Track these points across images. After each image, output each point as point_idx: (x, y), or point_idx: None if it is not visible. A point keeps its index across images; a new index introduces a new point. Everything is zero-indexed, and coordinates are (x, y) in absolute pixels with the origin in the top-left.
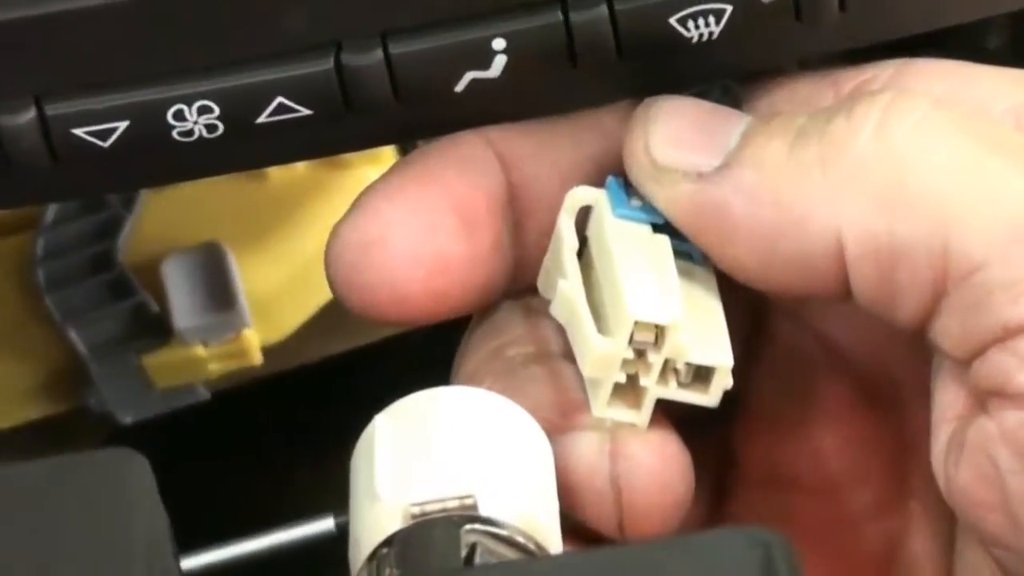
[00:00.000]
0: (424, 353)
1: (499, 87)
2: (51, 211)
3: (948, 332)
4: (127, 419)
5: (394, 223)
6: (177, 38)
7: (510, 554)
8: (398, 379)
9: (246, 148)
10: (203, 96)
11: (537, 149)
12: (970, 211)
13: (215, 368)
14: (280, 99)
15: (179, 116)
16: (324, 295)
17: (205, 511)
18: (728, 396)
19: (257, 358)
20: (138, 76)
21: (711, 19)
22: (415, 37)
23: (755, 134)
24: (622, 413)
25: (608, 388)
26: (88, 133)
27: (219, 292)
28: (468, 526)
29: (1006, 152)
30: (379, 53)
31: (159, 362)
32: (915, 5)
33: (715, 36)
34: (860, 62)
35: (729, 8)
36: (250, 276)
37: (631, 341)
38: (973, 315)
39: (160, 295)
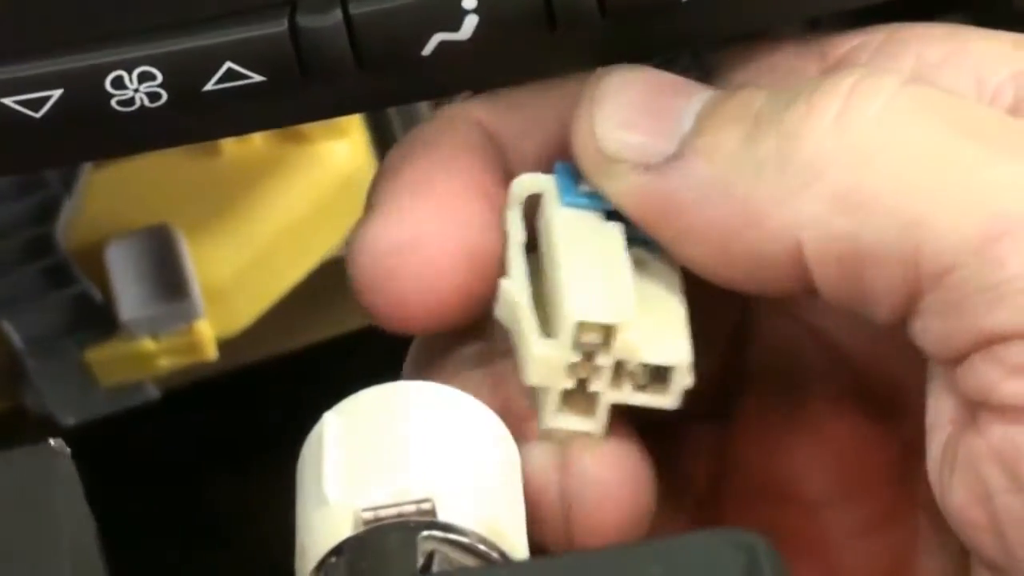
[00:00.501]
0: (393, 348)
1: (470, 50)
2: None
3: (928, 335)
4: (68, 420)
5: (427, 221)
6: None
7: (471, 563)
8: (364, 375)
9: (193, 119)
10: (144, 61)
11: (526, 126)
12: (940, 207)
13: (165, 363)
14: (229, 64)
15: (118, 83)
16: (285, 282)
17: (151, 516)
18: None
19: (211, 352)
20: (72, 40)
21: None
22: None
23: (710, 118)
24: (574, 422)
25: (556, 396)
26: (18, 103)
27: (169, 280)
28: (425, 532)
29: (980, 137)
30: (338, 13)
31: (103, 357)
32: None
33: None
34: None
35: None
36: (203, 262)
37: (576, 344)
38: (951, 320)
39: (104, 283)
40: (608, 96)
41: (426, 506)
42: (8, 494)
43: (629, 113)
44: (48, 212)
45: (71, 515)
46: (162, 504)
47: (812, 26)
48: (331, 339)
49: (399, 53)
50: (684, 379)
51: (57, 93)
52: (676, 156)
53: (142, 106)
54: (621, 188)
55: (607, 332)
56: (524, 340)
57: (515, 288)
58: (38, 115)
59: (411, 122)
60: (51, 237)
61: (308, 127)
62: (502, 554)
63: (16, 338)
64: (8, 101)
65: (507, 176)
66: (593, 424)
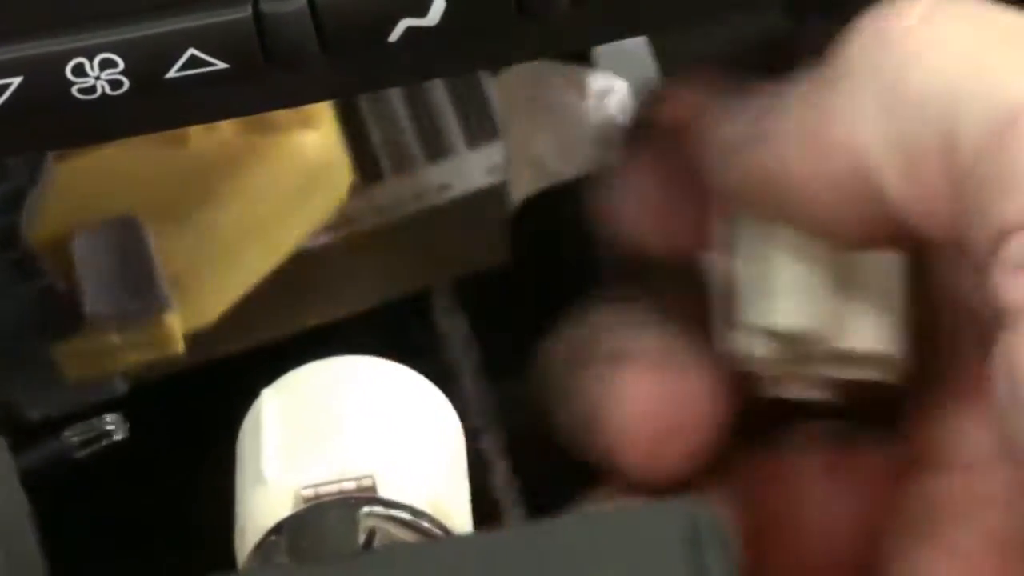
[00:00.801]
0: (359, 340)
1: (438, 36)
2: None
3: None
4: (35, 415)
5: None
6: None
7: (413, 539)
8: None
9: (156, 106)
10: (106, 48)
11: None
12: (971, 97)
13: (133, 357)
14: (192, 51)
15: (79, 71)
16: (254, 275)
17: (120, 513)
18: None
19: (179, 346)
20: (32, 26)
21: None
22: None
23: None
24: (795, 390)
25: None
26: None
27: (136, 272)
28: (366, 509)
29: (1007, 41)
30: None
31: (69, 351)
32: None
33: None
34: None
35: None
36: (171, 254)
37: (787, 347)
38: (976, 214)
39: (70, 276)
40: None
41: (367, 483)
42: None
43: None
44: (12, 204)
45: (3, 497)
46: (128, 500)
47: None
48: (298, 333)
49: (365, 39)
50: (897, 363)
51: (16, 81)
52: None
53: (104, 94)
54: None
55: (811, 335)
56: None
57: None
58: None
59: (383, 110)
60: (15, 229)
61: (277, 117)
62: (444, 530)
63: None
64: None
65: None
66: (818, 392)
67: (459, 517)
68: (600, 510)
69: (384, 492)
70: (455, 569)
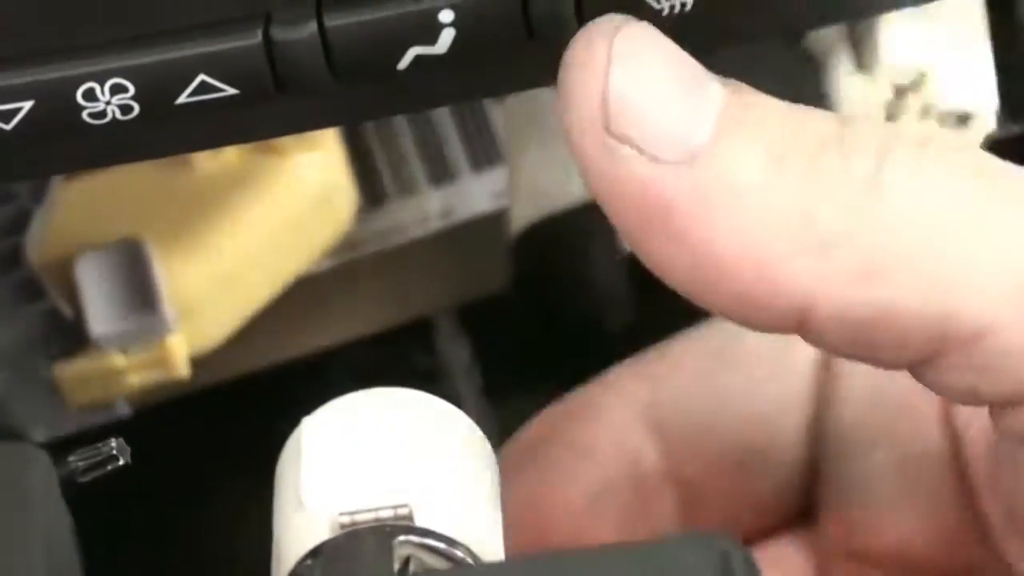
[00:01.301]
0: (362, 364)
1: (447, 64)
2: None
3: (951, 387)
4: (38, 437)
5: None
6: (87, 8)
7: (447, 568)
8: (335, 392)
9: (165, 132)
10: (117, 73)
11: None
12: (973, 270)
13: (136, 380)
14: (203, 77)
15: (90, 96)
16: (259, 298)
17: (125, 535)
18: None
19: (184, 369)
20: (43, 51)
21: None
22: (352, 8)
23: (732, 127)
24: None
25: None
26: None
27: (140, 294)
28: (402, 537)
29: (1008, 199)
30: (313, 26)
31: (73, 373)
32: None
33: (688, 8)
34: None
35: None
36: (175, 276)
37: (891, 83)
38: (987, 378)
39: (74, 298)
40: (631, 59)
41: (403, 511)
42: None
43: (650, 89)
44: (17, 225)
45: (46, 513)
46: (129, 522)
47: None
48: (302, 356)
49: (375, 67)
50: (985, 124)
51: (27, 105)
52: (689, 164)
53: (114, 119)
54: (617, 173)
55: (919, 76)
56: (840, 76)
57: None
58: (8, 127)
59: (387, 135)
60: (19, 251)
61: (282, 140)
62: (478, 560)
63: None
64: None
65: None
66: None
67: (492, 547)
68: (631, 541)
69: (420, 521)
70: None
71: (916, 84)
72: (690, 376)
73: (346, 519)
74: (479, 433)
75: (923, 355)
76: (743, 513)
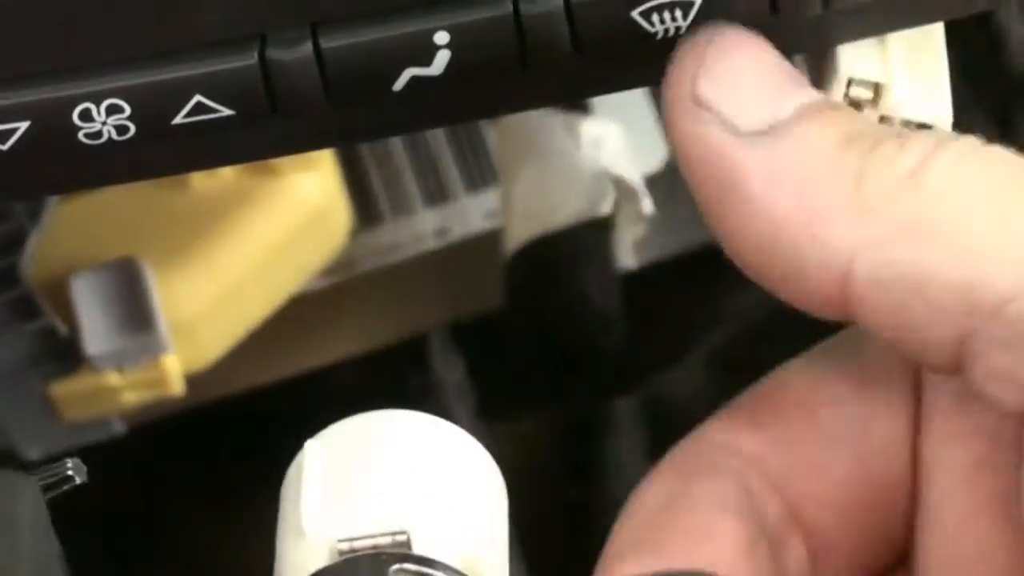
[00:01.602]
0: (356, 383)
1: (442, 86)
2: None
3: (994, 376)
4: (32, 454)
5: None
6: (83, 29)
7: None
8: (329, 411)
9: (161, 152)
10: (113, 94)
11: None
12: (1001, 244)
13: (131, 398)
14: (198, 98)
15: (86, 116)
16: (253, 317)
17: (118, 551)
18: None
19: (178, 387)
20: (40, 72)
21: (678, 13)
22: (348, 29)
23: (813, 113)
24: None
25: None
26: None
27: (135, 313)
28: (397, 566)
29: None
30: (308, 47)
31: (68, 391)
32: (896, 4)
33: (683, 31)
34: None
35: (698, 1)
36: (170, 296)
37: (846, 97)
38: (1019, 355)
39: (69, 316)
40: (723, 51)
41: (401, 538)
42: None
43: (737, 76)
44: (13, 244)
45: (35, 540)
46: (124, 536)
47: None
48: (297, 375)
49: (370, 88)
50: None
51: (24, 125)
52: (766, 134)
53: (110, 139)
54: (698, 132)
55: (875, 89)
56: None
57: None
58: (5, 147)
59: (382, 154)
60: (15, 269)
61: (277, 160)
62: None
63: None
64: None
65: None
66: None
67: (495, 572)
68: None
69: (418, 548)
70: None
71: (874, 98)
72: (796, 418)
73: (344, 546)
74: (485, 455)
75: (955, 332)
76: (874, 552)
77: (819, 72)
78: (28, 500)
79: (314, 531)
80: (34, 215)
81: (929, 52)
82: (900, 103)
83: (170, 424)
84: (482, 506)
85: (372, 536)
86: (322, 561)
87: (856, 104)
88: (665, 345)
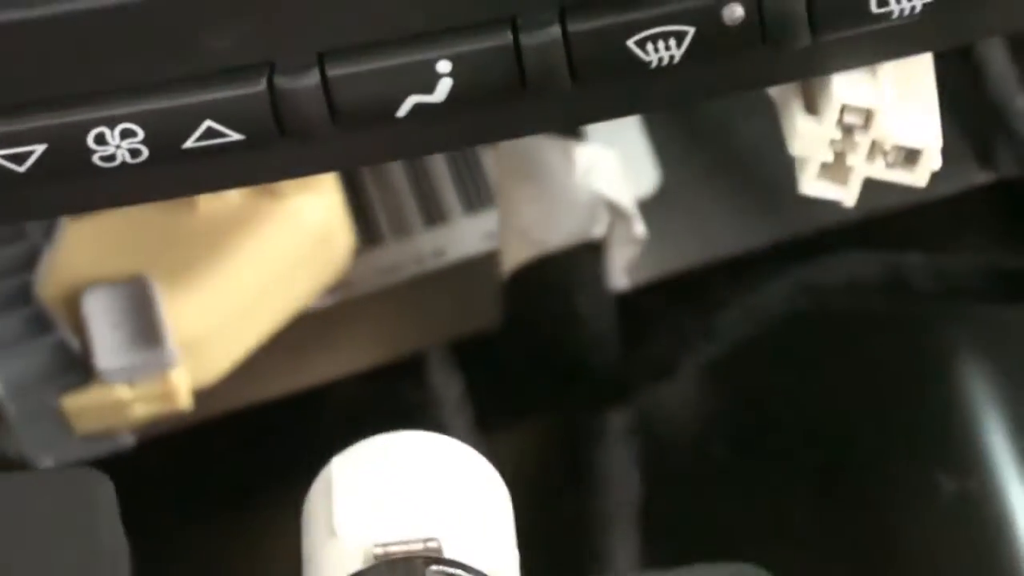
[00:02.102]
0: (356, 398)
1: (444, 113)
2: None
3: None
4: (47, 464)
5: None
6: (98, 56)
7: None
8: (332, 425)
9: (173, 175)
10: (126, 119)
11: None
12: None
13: (140, 411)
14: (209, 123)
15: (100, 140)
16: (259, 334)
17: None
18: None
19: (186, 401)
20: (56, 97)
21: (672, 42)
22: (354, 58)
23: None
24: (830, 190)
25: (815, 166)
26: (2, 157)
27: (145, 329)
28: (433, 568)
29: None
30: (315, 75)
31: (80, 404)
32: (884, 37)
33: (676, 60)
34: None
35: (691, 30)
36: (179, 313)
37: (839, 122)
38: None
39: (82, 332)
40: None
41: (433, 544)
42: (48, 513)
43: None
44: (28, 262)
45: (108, 537)
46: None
47: None
48: (301, 390)
49: (375, 114)
50: (932, 161)
51: (40, 148)
52: None
53: (123, 162)
54: None
55: (867, 115)
56: (791, 115)
57: None
58: (21, 169)
59: (382, 177)
60: (30, 287)
61: (282, 183)
62: None
63: None
64: None
65: None
66: (846, 193)
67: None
68: (665, 568)
69: (448, 554)
70: None
71: (865, 124)
72: None
73: (379, 550)
74: (493, 471)
75: None
76: None
77: (814, 99)
78: (105, 498)
79: (348, 535)
80: (48, 234)
81: (919, 81)
82: (890, 129)
83: (177, 436)
84: (498, 518)
85: (405, 542)
86: (357, 564)
87: (849, 129)
88: (656, 361)
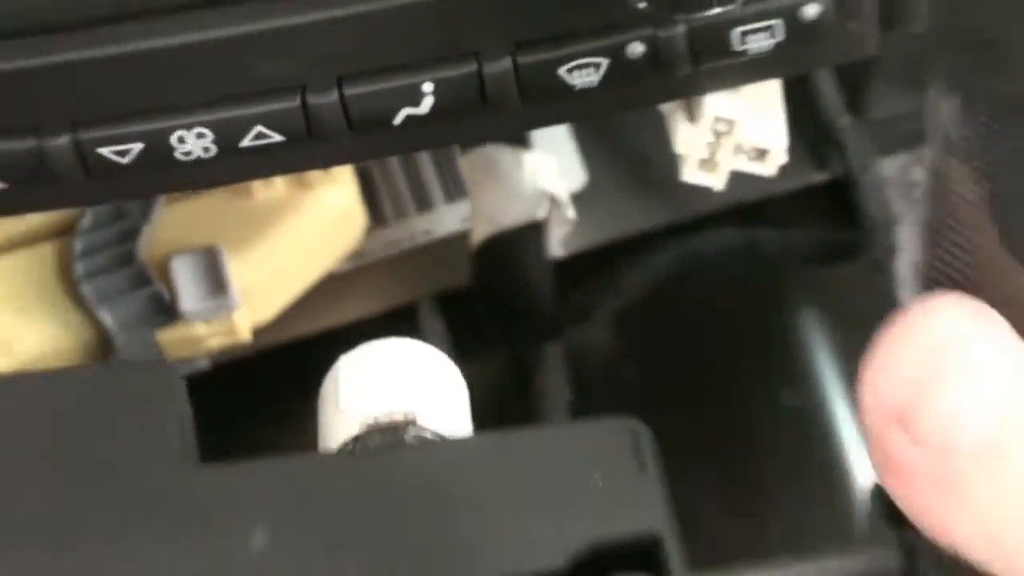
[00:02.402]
0: (366, 335)
1: (428, 121)
2: (87, 218)
3: None
4: None
5: None
6: (179, 79)
7: None
8: (349, 351)
9: (233, 166)
10: (199, 125)
11: None
12: None
13: (214, 343)
14: (259, 128)
15: (181, 140)
16: (297, 289)
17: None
18: None
19: (247, 335)
20: (149, 109)
21: (591, 70)
22: (364, 81)
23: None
24: (705, 179)
25: (694, 160)
26: (111, 152)
27: (216, 282)
28: (411, 431)
29: None
30: (335, 93)
31: (169, 338)
32: (744, 67)
33: (595, 84)
34: None
35: (606, 62)
36: (240, 271)
37: (712, 128)
38: None
39: (170, 285)
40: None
41: (410, 416)
42: (127, 397)
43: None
44: (131, 235)
45: (177, 423)
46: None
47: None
48: (335, 328)
49: (378, 122)
50: (779, 158)
51: (138, 147)
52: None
53: (198, 157)
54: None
55: (732, 123)
56: (677, 124)
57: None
58: (124, 161)
59: (386, 174)
60: (134, 252)
61: (312, 176)
62: None
63: (111, 324)
64: (104, 151)
65: None
66: (716, 181)
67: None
68: (555, 424)
69: (421, 423)
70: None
71: (730, 130)
72: None
73: (372, 420)
74: (456, 368)
75: None
76: None
77: (693, 111)
78: (176, 393)
79: (350, 409)
80: (146, 214)
81: (770, 99)
82: (749, 134)
83: (239, 361)
84: (460, 403)
85: (391, 414)
86: (355, 430)
87: (718, 135)
88: (581, 309)
